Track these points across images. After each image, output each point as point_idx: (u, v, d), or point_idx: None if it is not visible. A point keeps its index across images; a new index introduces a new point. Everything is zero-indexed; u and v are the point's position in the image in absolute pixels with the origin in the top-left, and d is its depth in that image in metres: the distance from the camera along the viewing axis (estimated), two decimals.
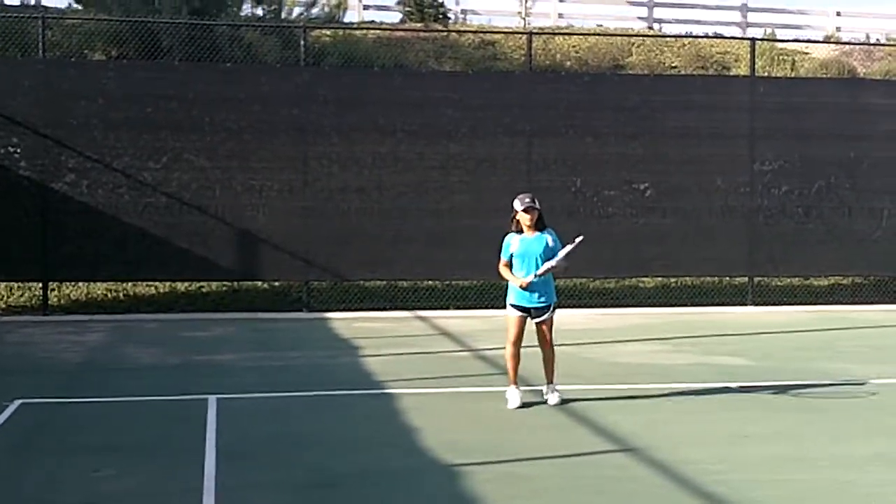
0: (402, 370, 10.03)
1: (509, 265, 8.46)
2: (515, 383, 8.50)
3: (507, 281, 8.51)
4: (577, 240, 8.32)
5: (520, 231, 8.43)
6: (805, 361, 10.90)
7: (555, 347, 8.60)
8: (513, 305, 8.48)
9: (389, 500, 6.04)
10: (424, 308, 14.57)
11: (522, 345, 8.46)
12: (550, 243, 8.41)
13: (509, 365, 8.51)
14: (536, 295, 8.40)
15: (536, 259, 8.33)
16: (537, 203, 8.39)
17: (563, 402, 8.48)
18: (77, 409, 8.41)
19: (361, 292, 14.92)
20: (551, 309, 8.50)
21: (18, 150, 13.85)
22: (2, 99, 13.80)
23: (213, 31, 17.10)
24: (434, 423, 7.79)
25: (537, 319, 8.45)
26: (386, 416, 8.14)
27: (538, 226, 8.43)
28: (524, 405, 8.39)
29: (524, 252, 8.36)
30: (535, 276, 8.28)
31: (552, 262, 8.28)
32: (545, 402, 8.49)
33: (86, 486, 6.22)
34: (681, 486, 6.29)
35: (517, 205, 8.40)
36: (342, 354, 11.14)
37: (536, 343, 8.52)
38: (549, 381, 8.59)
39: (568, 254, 8.29)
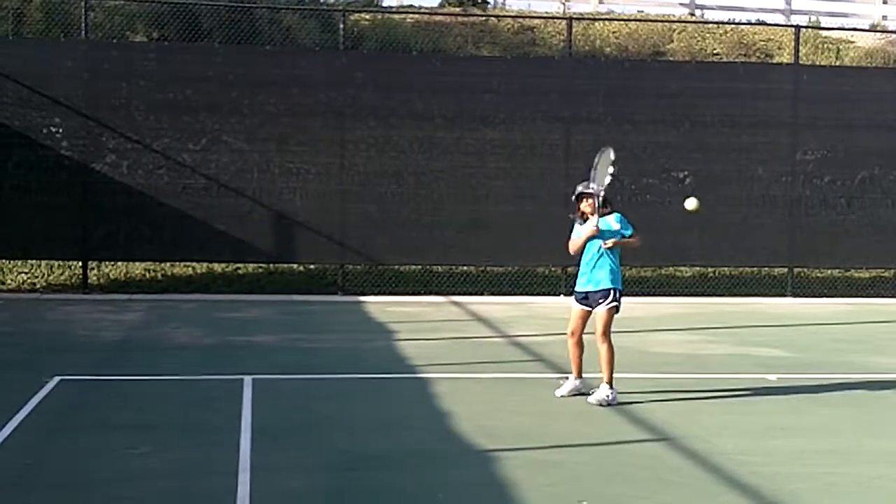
0: (437, 355, 10.03)
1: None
2: (579, 376, 8.29)
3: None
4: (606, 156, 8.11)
5: (584, 219, 8.16)
6: (843, 354, 10.78)
7: (588, 334, 8.42)
8: (575, 293, 8.27)
9: (422, 484, 6.05)
10: (459, 294, 14.56)
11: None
12: (615, 226, 8.13)
13: (571, 357, 8.29)
14: (594, 280, 8.11)
15: (600, 240, 8.08)
16: (594, 187, 8.04)
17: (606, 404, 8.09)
18: (115, 387, 8.50)
19: (396, 277, 14.94)
20: (610, 298, 8.09)
21: (60, 131, 13.99)
22: (44, 79, 13.93)
23: (252, 14, 17.18)
24: (467, 409, 7.78)
25: (596, 309, 8.12)
26: (420, 400, 8.15)
27: (603, 212, 8.12)
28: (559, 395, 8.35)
29: (595, 237, 8.09)
30: (605, 245, 8.02)
31: (600, 191, 7.97)
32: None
33: (122, 463, 6.28)
34: (715, 476, 6.25)
35: (576, 193, 8.16)
36: (376, 338, 11.16)
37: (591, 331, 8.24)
38: (607, 380, 8.09)
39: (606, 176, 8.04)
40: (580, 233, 8.17)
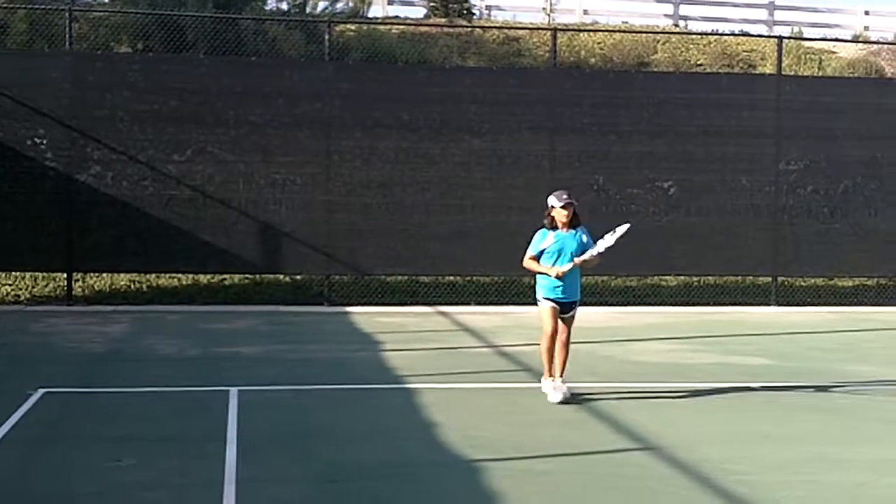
0: (423, 365, 10.03)
1: (536, 260, 8.45)
2: (552, 375, 8.51)
3: (532, 275, 8.50)
4: (622, 228, 8.34)
5: (554, 228, 8.42)
6: (828, 362, 10.83)
7: (572, 345, 8.61)
8: (546, 298, 8.46)
9: (408, 495, 6.05)
10: (446, 304, 14.57)
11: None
12: (584, 240, 8.44)
13: (545, 358, 8.49)
14: (567, 289, 8.41)
15: (571, 255, 8.37)
16: (599, 246, 8.40)
17: (575, 397, 8.45)
18: (99, 399, 8.47)
19: (382, 287, 14.94)
20: (576, 306, 8.53)
21: (44, 142, 13.95)
22: (29, 90, 13.90)
23: (237, 25, 17.18)
24: (454, 419, 7.79)
25: (562, 315, 8.46)
26: (406, 410, 8.15)
27: (573, 223, 8.43)
28: (544, 404, 8.38)
29: (559, 248, 8.37)
30: (575, 263, 8.30)
31: (596, 250, 8.30)
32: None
33: (107, 476, 6.25)
34: (700, 485, 6.27)
35: (554, 201, 8.42)
36: (363, 348, 11.15)
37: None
38: (560, 375, 8.54)
39: (612, 244, 8.32)
40: (546, 262, 8.41)
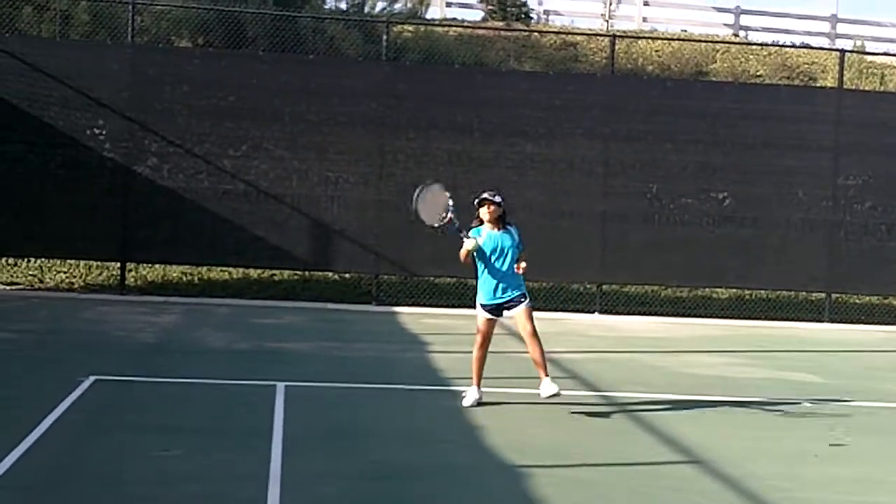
0: (469, 368, 9.98)
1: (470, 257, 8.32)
2: (479, 385, 8.39)
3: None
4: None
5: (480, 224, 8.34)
6: (880, 382, 10.64)
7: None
8: (483, 306, 8.34)
9: (450, 497, 6.04)
10: None
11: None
12: (517, 238, 8.37)
13: (475, 367, 8.36)
14: (507, 289, 8.27)
15: (510, 252, 8.25)
16: (499, 199, 8.28)
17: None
18: (149, 389, 8.56)
19: (431, 288, 14.94)
20: (527, 298, 8.30)
21: (103, 133, 14.15)
22: (90, 82, 14.10)
23: (297, 23, 17.31)
24: (500, 423, 7.76)
25: (514, 311, 8.29)
26: (451, 412, 8.14)
27: (500, 223, 8.33)
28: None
29: (497, 247, 8.27)
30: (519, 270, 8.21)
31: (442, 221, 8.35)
32: (547, 397, 8.25)
33: (154, 465, 6.31)
34: (746, 501, 6.18)
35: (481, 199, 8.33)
36: (410, 349, 11.17)
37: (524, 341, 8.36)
38: (545, 374, 8.26)
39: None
40: (487, 266, 8.35)
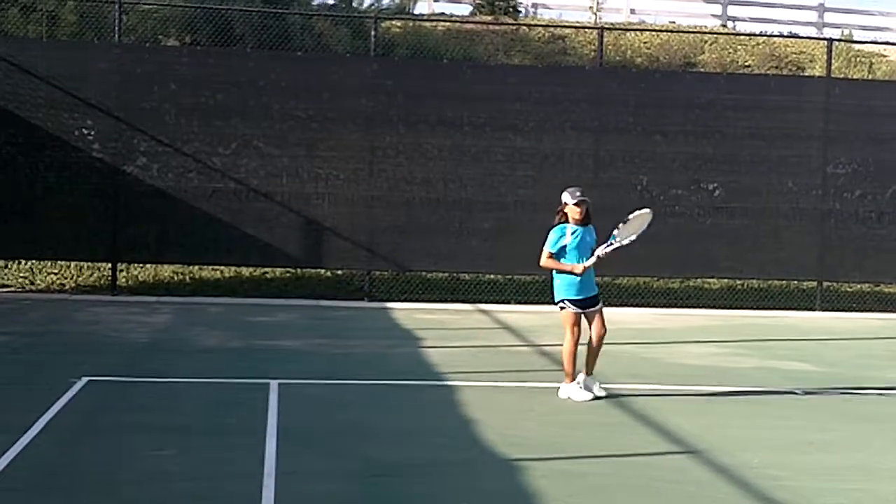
0: (463, 363, 10.02)
1: (555, 258, 8.40)
2: (575, 378, 8.47)
3: (551, 273, 8.46)
4: (639, 215, 8.41)
5: (564, 222, 8.44)
6: (872, 370, 10.67)
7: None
8: (570, 301, 8.40)
9: (445, 492, 6.04)
10: (486, 301, 14.55)
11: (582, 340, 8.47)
12: (596, 235, 8.50)
13: (568, 361, 8.43)
14: (588, 285, 8.42)
15: (591, 250, 8.36)
16: (616, 236, 8.43)
17: (609, 396, 8.49)
18: (142, 389, 8.55)
19: (423, 283, 14.95)
20: (599, 298, 8.53)
21: (92, 133, 14.10)
22: (77, 82, 14.05)
23: (284, 20, 17.27)
24: (493, 417, 7.77)
25: (592, 309, 8.43)
26: (445, 407, 8.15)
27: (585, 221, 8.43)
28: (584, 405, 8.34)
29: (580, 244, 8.35)
30: (600, 257, 8.31)
31: (618, 242, 8.33)
32: (598, 397, 8.45)
33: (148, 465, 6.31)
34: (741, 490, 6.20)
35: (567, 198, 8.42)
36: (403, 344, 11.17)
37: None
38: (590, 373, 8.51)
39: (634, 236, 8.37)
40: (569, 261, 8.39)
